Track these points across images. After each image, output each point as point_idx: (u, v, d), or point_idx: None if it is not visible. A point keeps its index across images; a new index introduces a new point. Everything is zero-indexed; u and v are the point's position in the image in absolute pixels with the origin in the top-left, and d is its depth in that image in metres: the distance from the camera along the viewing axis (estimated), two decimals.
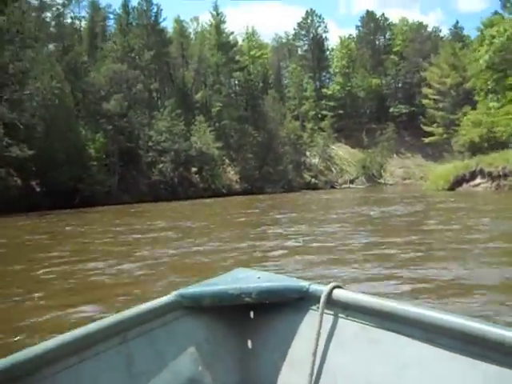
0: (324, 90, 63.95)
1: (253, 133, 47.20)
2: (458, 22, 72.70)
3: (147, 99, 41.08)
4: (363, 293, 1.53)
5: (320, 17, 70.79)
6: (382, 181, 53.50)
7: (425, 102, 57.69)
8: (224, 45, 46.96)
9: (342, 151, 58.80)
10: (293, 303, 1.62)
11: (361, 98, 63.99)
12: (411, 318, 1.35)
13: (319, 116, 61.87)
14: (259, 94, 52.67)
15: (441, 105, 55.40)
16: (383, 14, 71.61)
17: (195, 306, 1.65)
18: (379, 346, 1.41)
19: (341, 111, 61.21)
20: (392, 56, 67.65)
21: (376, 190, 40.45)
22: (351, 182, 52.81)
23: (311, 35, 70.63)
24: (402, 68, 66.37)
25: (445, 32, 73.17)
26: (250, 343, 1.69)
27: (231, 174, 46.10)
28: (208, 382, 1.57)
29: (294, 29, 71.87)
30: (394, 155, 55.67)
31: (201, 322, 1.66)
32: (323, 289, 1.53)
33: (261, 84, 55.52)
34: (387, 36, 71.22)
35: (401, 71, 66.32)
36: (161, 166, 38.46)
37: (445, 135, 51.27)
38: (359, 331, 1.46)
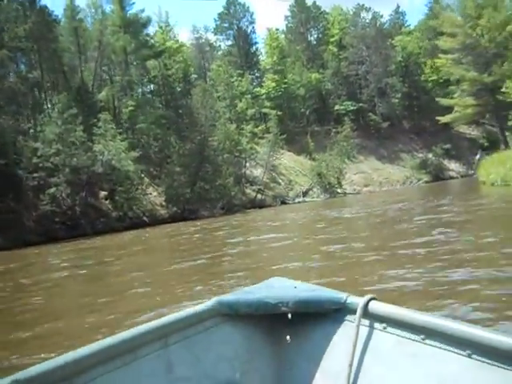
0: (257, 89, 54.84)
1: (178, 141, 37.01)
2: (398, 7, 66.57)
3: (28, 96, 29.66)
4: (400, 306, 1.54)
5: (244, 6, 62.08)
6: (340, 190, 44.81)
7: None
8: (132, 24, 36.50)
9: (285, 159, 49.76)
10: (330, 314, 1.65)
11: (300, 96, 55.53)
12: (449, 333, 1.36)
13: (260, 115, 52.93)
14: (181, 92, 42.74)
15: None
16: (315, 2, 64.02)
17: (233, 314, 1.69)
18: (417, 360, 1.42)
19: (279, 112, 52.08)
20: (330, 47, 59.96)
21: (345, 203, 31.46)
22: (304, 194, 43.69)
23: (235, 27, 61.77)
24: (344, 59, 58.73)
25: (386, 18, 66.77)
26: (285, 352, 1.70)
27: (154, 196, 35.46)
28: None
29: (215, 20, 62.78)
30: (346, 159, 47.18)
31: (238, 330, 1.70)
32: (360, 301, 1.55)
33: (181, 84, 45.53)
34: (322, 26, 63.62)
35: (343, 63, 58.60)
36: (52, 190, 27.24)
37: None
38: (396, 344, 1.48)
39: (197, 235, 17.56)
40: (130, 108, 35.12)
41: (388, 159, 54.98)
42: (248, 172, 44.28)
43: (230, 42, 63.18)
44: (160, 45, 42.10)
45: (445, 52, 50.24)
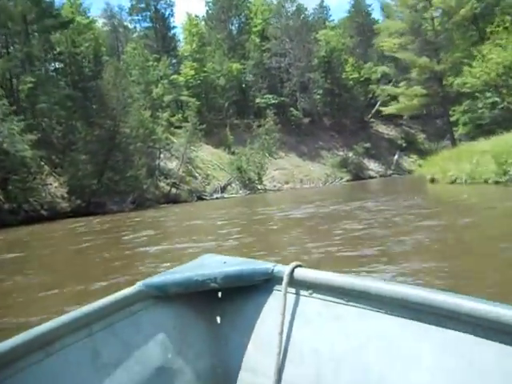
0: (174, 77, 51.58)
1: (86, 127, 33.23)
2: (323, 1, 65.77)
3: None
4: (325, 271, 1.57)
5: None
6: (261, 187, 42.84)
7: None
8: None
9: (203, 152, 47.09)
10: (259, 286, 1.67)
11: (220, 87, 53.01)
12: (372, 292, 1.41)
13: (177, 104, 49.70)
14: (91, 73, 38.87)
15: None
16: None
17: (161, 295, 1.67)
18: (342, 321, 1.49)
19: (197, 102, 49.16)
20: (253, 37, 57.86)
21: (268, 200, 29.47)
22: (223, 189, 41.24)
23: (152, 9, 58.07)
24: (267, 50, 56.85)
25: (310, 11, 65.67)
26: (218, 328, 1.72)
27: (55, 187, 31.54)
28: (178, 368, 1.60)
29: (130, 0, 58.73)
30: (267, 155, 45.21)
31: (168, 311, 1.68)
32: (286, 269, 1.59)
33: (91, 64, 41.47)
34: (244, 15, 61.41)
35: (265, 54, 56.70)
36: None
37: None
38: (323, 308, 1.53)
39: (93, 237, 14.61)
40: (29, 85, 30.85)
41: (309, 156, 53.83)
42: (162, 164, 41.17)
43: (146, 25, 59.48)
44: (66, 16, 37.78)
45: (390, 35, 48.99)
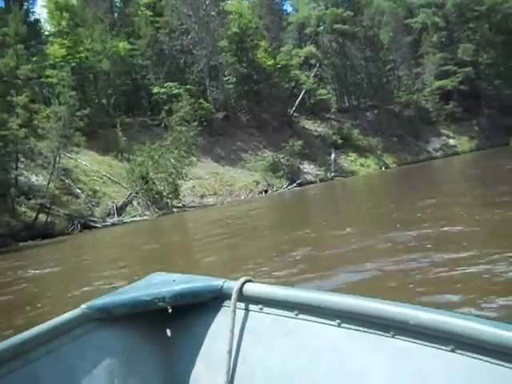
0: (36, 58, 37.21)
1: None
2: None
3: None
4: (275, 285, 1.56)
5: None
6: (176, 203, 30.07)
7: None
8: None
9: (84, 160, 33.48)
10: (209, 303, 1.63)
11: (103, 73, 39.65)
12: (322, 305, 1.40)
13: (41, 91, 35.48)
14: None
15: None
16: None
17: (106, 317, 1.61)
18: (293, 336, 1.46)
19: (72, 92, 35.18)
20: (143, 9, 44.78)
21: (200, 228, 17.87)
22: (120, 211, 27.99)
23: None
24: (163, 27, 44.13)
25: None
26: (167, 349, 1.67)
27: None
28: None
29: None
30: (184, 155, 31.95)
31: (114, 333, 1.62)
32: (235, 284, 1.55)
33: None
34: None
35: (161, 31, 43.92)
36: None
37: None
38: (273, 323, 1.50)
39: None
40: None
41: (228, 160, 41.84)
42: (23, 179, 27.26)
43: None
44: None
45: None
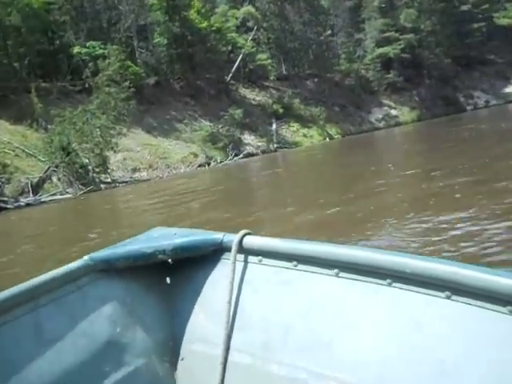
0: None
1: None
2: None
3: None
4: (274, 237, 1.59)
5: None
6: (106, 178, 25.94)
7: None
8: None
9: None
10: (209, 256, 1.67)
11: (12, 28, 34.31)
12: (320, 256, 1.44)
13: None
14: None
15: None
16: None
17: (109, 269, 1.64)
18: (291, 286, 1.51)
19: None
20: None
21: (135, 213, 14.53)
22: (36, 189, 23.58)
23: None
24: None
25: None
26: (168, 301, 1.70)
27: None
28: (126, 342, 1.57)
29: None
30: (112, 122, 27.41)
31: (116, 284, 1.65)
32: (235, 237, 1.60)
33: None
34: None
35: None
36: None
37: None
38: (272, 275, 1.55)
39: None
40: None
41: (161, 131, 37.66)
42: None
43: None
44: None
45: None
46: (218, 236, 1.65)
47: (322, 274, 1.44)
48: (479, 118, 36.73)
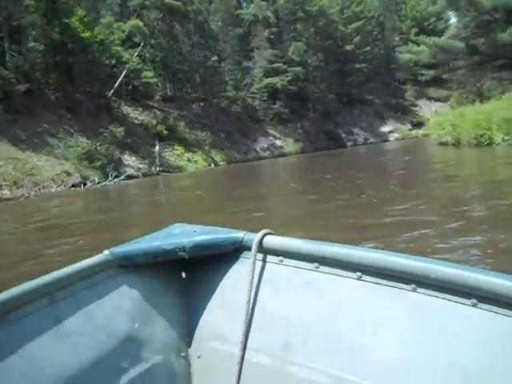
0: None
1: None
2: None
3: None
4: (295, 237, 1.56)
5: None
6: None
7: None
8: None
9: None
10: (229, 255, 1.65)
11: None
12: (343, 258, 1.42)
13: None
14: None
15: None
16: None
17: (128, 264, 1.63)
18: (313, 288, 1.48)
19: None
20: None
21: None
22: None
23: None
24: None
25: None
26: (186, 297, 1.69)
27: None
28: (144, 338, 1.56)
29: None
30: None
31: (135, 280, 1.64)
32: (256, 237, 1.58)
33: None
34: None
35: None
36: None
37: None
38: (293, 275, 1.53)
39: None
40: None
41: (30, 144, 33.65)
42: None
43: None
44: None
45: None
46: (238, 234, 1.64)
47: (344, 276, 1.42)
48: (357, 154, 37.65)
